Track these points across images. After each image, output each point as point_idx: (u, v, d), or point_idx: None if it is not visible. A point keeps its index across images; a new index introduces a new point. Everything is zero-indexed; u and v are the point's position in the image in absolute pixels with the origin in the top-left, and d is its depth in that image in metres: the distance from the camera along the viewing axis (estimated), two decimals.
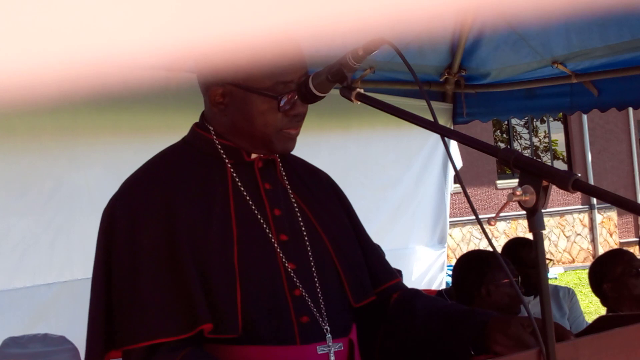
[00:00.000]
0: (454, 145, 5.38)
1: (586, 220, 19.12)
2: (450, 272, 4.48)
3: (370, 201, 4.77)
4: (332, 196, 2.11)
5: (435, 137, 5.14)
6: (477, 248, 14.89)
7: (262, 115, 1.88)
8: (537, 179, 1.49)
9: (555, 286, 4.70)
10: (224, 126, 1.95)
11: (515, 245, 4.41)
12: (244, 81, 1.87)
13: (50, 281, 3.67)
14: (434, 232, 5.51)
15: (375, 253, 2.12)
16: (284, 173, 2.02)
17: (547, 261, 4.32)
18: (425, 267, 5.35)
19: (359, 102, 1.81)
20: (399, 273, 4.28)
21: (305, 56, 1.91)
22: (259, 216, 1.92)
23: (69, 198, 3.69)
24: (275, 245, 1.90)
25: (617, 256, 4.00)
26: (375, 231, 2.20)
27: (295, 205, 1.99)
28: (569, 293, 4.69)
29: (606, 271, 3.91)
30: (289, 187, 2.01)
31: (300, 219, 1.98)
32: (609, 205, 18.12)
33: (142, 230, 1.83)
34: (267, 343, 1.82)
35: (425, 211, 5.42)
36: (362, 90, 1.82)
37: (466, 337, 1.86)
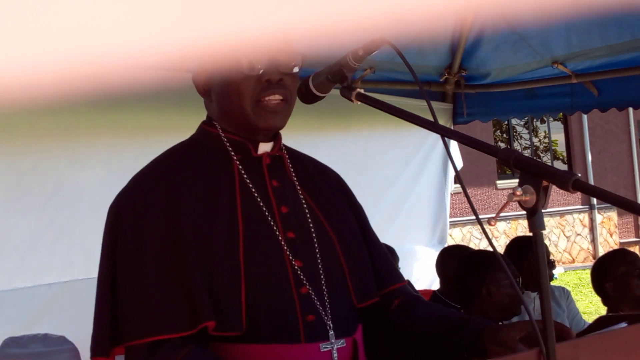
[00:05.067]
0: (454, 145, 5.38)
1: (586, 221, 19.11)
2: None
3: (368, 200, 4.77)
4: (340, 195, 2.11)
5: (434, 137, 5.15)
6: (477, 248, 14.87)
7: (236, 86, 1.88)
8: (537, 179, 1.49)
9: (550, 286, 4.71)
10: (215, 115, 1.97)
11: (519, 244, 4.44)
12: (222, 65, 1.86)
13: (51, 281, 3.67)
14: (434, 232, 5.51)
15: (382, 254, 2.11)
16: (292, 170, 2.01)
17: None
18: (425, 267, 5.36)
19: (359, 102, 1.81)
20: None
21: (292, 42, 1.89)
22: (267, 213, 1.91)
23: (69, 198, 3.69)
24: (282, 242, 1.89)
25: (620, 256, 4.00)
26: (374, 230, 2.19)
27: (304, 202, 1.98)
28: (564, 292, 4.71)
29: (609, 270, 3.92)
30: (297, 184, 2.00)
31: (308, 216, 1.97)
32: (609, 205, 18.12)
33: (148, 226, 1.83)
34: (271, 341, 1.82)
35: (425, 211, 5.43)
36: (362, 90, 1.82)
37: (461, 346, 1.87)
